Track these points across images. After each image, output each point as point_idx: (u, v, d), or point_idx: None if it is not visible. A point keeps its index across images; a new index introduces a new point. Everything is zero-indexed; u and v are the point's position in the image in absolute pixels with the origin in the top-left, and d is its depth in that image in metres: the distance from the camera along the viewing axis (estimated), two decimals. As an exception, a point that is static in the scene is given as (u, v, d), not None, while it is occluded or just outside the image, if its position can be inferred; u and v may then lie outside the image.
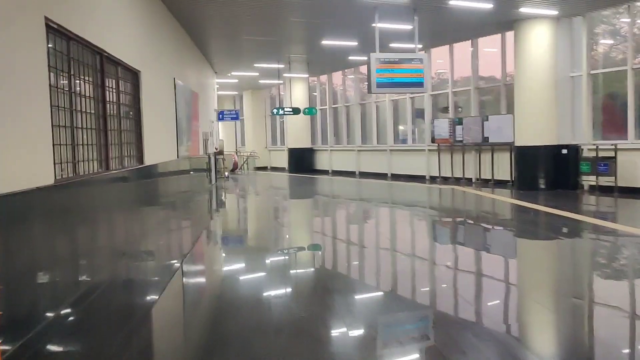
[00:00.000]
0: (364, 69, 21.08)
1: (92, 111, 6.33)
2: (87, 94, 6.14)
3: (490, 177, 15.60)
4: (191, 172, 13.85)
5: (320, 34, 14.75)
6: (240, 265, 7.33)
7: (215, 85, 22.16)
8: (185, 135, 12.65)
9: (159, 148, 9.59)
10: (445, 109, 18.37)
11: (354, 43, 15.74)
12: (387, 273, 6.64)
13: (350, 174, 21.71)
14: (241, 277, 6.57)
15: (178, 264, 7.18)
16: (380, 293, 5.70)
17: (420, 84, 11.86)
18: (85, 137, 5.98)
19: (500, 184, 15.24)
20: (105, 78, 6.69)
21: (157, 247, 8.29)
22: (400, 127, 20.35)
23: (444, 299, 5.49)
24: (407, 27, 12.30)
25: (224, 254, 8.28)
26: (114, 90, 7.27)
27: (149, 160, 8.60)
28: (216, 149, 20.57)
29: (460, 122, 16.25)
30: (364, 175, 20.95)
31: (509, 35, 14.98)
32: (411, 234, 10.08)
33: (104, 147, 6.62)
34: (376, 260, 7.52)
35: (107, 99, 6.80)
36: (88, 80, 6.22)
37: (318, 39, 15.19)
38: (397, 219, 12.00)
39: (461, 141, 16.22)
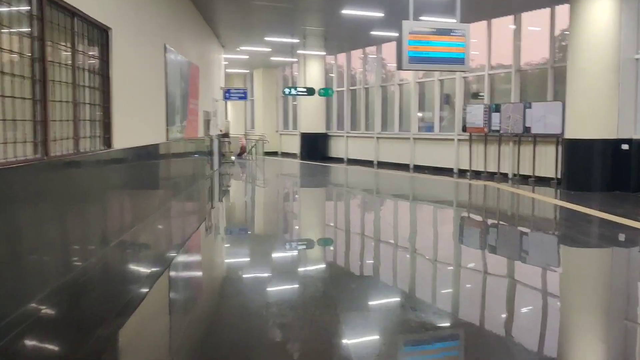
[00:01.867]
0: (387, 47, 19.03)
1: (26, 74, 4.47)
2: (17, 49, 4.28)
3: (530, 174, 13.58)
4: (187, 157, 11.97)
5: (341, 2, 12.73)
6: (237, 264, 6.42)
7: (223, 61, 20.20)
8: (179, 114, 10.76)
9: (139, 128, 7.70)
10: (476, 95, 16.31)
11: (380, 14, 13.69)
12: (407, 280, 5.74)
13: (368, 163, 19.74)
14: (236, 280, 5.61)
15: (161, 269, 5.77)
16: (398, 301, 4.90)
17: (460, 61, 9.83)
18: (11, 109, 4.15)
19: (543, 181, 13.22)
20: (45, 29, 4.78)
21: (133, 249, 6.46)
22: (419, 114, 18.31)
23: (474, 316, 4.56)
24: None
25: (220, 251, 7.23)
26: (66, 49, 5.37)
27: (121, 142, 6.71)
28: (221, 130, 18.68)
29: (497, 109, 14.20)
30: (383, 165, 18.97)
31: (560, 10, 12.89)
32: (437, 236, 8.53)
33: (41, 124, 4.74)
34: (394, 264, 6.44)
35: (50, 59, 4.90)
36: (19, 31, 4.34)
37: (338, 8, 13.16)
38: (420, 217, 10.23)
39: (498, 131, 14.19)
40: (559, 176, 12.74)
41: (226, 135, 20.15)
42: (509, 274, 6.16)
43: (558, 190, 12.33)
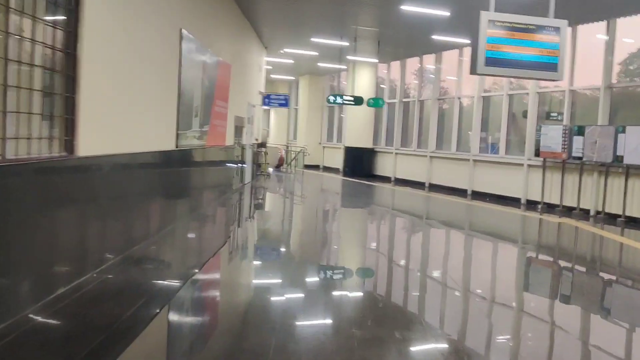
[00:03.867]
0: (448, 55, 16.88)
1: None
2: None
3: (619, 212, 11.16)
4: (208, 168, 10.14)
5: (401, -5, 10.75)
6: (262, 298, 5.15)
7: (264, 63, 18.43)
8: (198, 117, 8.92)
9: (128, 130, 5.84)
10: (549, 115, 13.97)
11: (445, 13, 11.61)
12: (460, 330, 4.60)
13: (418, 185, 17.54)
14: (256, 319, 4.43)
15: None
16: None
17: (552, 67, 7.69)
18: None
19: (636, 223, 10.82)
20: None
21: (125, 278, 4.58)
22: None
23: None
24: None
25: (236, 284, 5.88)
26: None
27: (91, 147, 4.85)
28: (257, 140, 16.85)
29: (580, 132, 11.86)
30: (436, 188, 16.74)
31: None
32: (496, 278, 6.89)
33: None
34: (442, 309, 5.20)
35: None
36: None
37: (397, 1, 11.14)
38: (478, 255, 8.09)
39: (580, 158, 11.83)
40: (658, 218, 10.35)
41: (263, 144, 18.32)
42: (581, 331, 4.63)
43: (657, 235, 9.98)
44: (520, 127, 14.97)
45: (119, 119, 5.56)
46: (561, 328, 4.98)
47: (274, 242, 8.39)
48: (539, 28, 7.60)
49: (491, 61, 7.41)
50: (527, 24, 7.57)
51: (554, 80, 7.97)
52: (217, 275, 6.23)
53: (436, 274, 7.00)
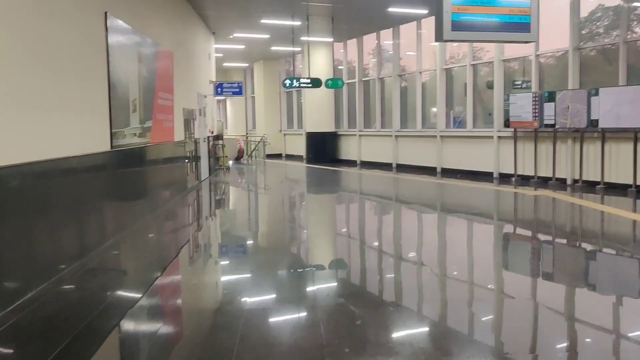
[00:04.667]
0: (406, 29, 16.12)
1: None
2: None
3: (598, 179, 10.64)
4: (154, 168, 9.18)
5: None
6: (228, 303, 4.60)
7: (213, 51, 17.37)
8: (138, 112, 7.94)
9: (32, 131, 4.87)
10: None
11: (401, -19, 10.82)
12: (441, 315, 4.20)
13: (385, 166, 16.83)
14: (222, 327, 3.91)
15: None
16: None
17: (525, 27, 7.06)
18: None
19: (616, 189, 10.30)
20: None
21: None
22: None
23: None
24: None
25: (203, 289, 5.33)
26: None
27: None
28: (211, 132, 15.86)
29: (551, 98, 11.26)
30: (404, 168, 16.06)
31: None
32: (475, 259, 6.26)
33: None
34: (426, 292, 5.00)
35: None
36: None
37: (348, -28, 10.31)
38: (454, 236, 7.49)
39: (553, 125, 11.25)
40: (639, 182, 9.82)
41: (219, 137, 17.32)
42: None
43: (638, 201, 9.45)
44: (483, 99, 14.36)
45: (19, 124, 4.59)
46: (547, 306, 4.55)
47: (237, 240, 7.54)
48: (508, -15, 6.89)
49: (458, 25, 6.68)
50: (494, -18, 6.85)
51: (527, 42, 7.26)
52: (177, 283, 5.38)
53: (413, 258, 6.36)
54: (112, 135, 6.77)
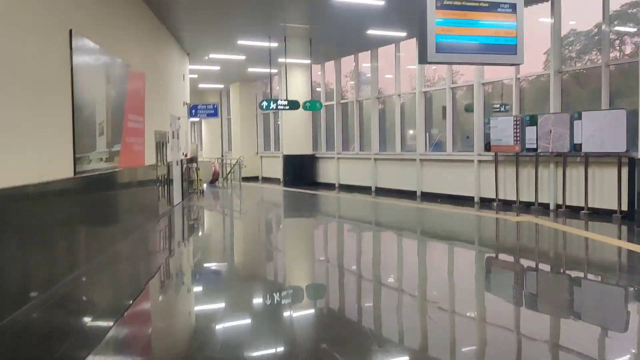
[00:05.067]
0: (384, 51, 15.97)
1: None
2: None
3: (582, 205, 10.43)
4: (123, 193, 8.71)
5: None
6: (201, 335, 4.43)
7: (188, 72, 16.97)
8: (105, 136, 7.49)
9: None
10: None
11: (379, 2, 10.60)
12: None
13: (365, 189, 16.50)
14: None
15: None
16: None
17: (511, 49, 6.83)
18: None
19: (600, 215, 10.10)
20: None
21: None
22: (434, 131, 15.20)
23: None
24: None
25: (174, 321, 5.10)
26: None
27: None
28: (185, 155, 15.39)
29: (532, 122, 11.08)
30: (383, 192, 15.75)
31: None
32: (456, 287, 6.18)
33: None
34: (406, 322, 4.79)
35: None
36: None
37: (327, -8, 10.06)
38: (435, 264, 7.17)
39: (535, 149, 11.06)
40: (624, 208, 9.63)
41: (193, 159, 16.85)
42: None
43: (624, 227, 9.26)
44: (462, 122, 14.18)
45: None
46: (531, 336, 4.40)
47: (208, 271, 7.09)
48: (493, 5, 6.68)
49: (442, 47, 6.41)
50: (479, 2, 6.62)
51: (513, 65, 7.04)
52: (143, 320, 4.92)
53: (395, 288, 5.99)
54: (75, 160, 6.32)
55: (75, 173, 6.29)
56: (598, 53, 11.03)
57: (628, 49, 10.96)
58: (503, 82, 12.74)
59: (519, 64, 7.16)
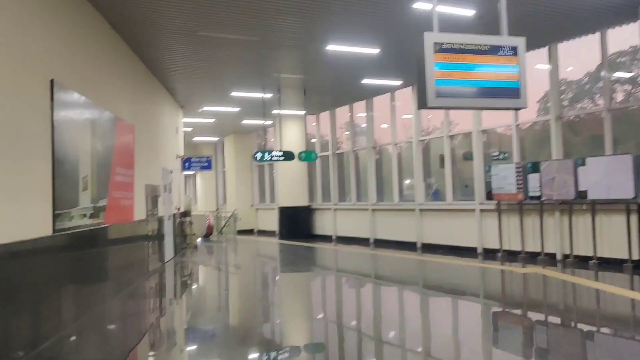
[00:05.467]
0: (379, 101, 15.82)
1: None
2: None
3: (590, 254, 9.99)
4: (108, 251, 8.24)
5: (324, 34, 9.46)
6: None
7: (181, 124, 16.76)
8: (89, 190, 7.10)
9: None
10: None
11: (374, 50, 10.45)
12: None
13: (363, 241, 16.03)
14: None
15: None
16: None
17: (514, 93, 6.51)
18: None
19: (610, 264, 9.65)
20: None
21: None
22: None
23: None
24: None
25: None
26: None
27: None
28: (178, 209, 14.97)
29: (535, 169, 10.77)
30: (382, 243, 15.29)
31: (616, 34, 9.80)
32: (471, 348, 5.51)
33: None
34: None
35: None
36: None
37: (321, 42, 9.88)
38: (440, 320, 6.54)
39: (539, 197, 10.70)
40: (635, 257, 9.20)
41: (186, 213, 16.42)
42: None
43: (636, 277, 8.82)
44: (459, 170, 13.87)
45: None
46: None
47: (203, 328, 6.59)
48: (494, 49, 6.39)
49: (443, 91, 6.08)
50: (479, 45, 6.34)
51: (517, 109, 6.73)
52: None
53: (395, 342, 5.45)
54: (54, 217, 5.90)
55: (54, 231, 5.86)
56: (591, 100, 10.91)
57: (619, 96, 10.82)
58: (499, 130, 12.53)
59: (522, 108, 6.87)
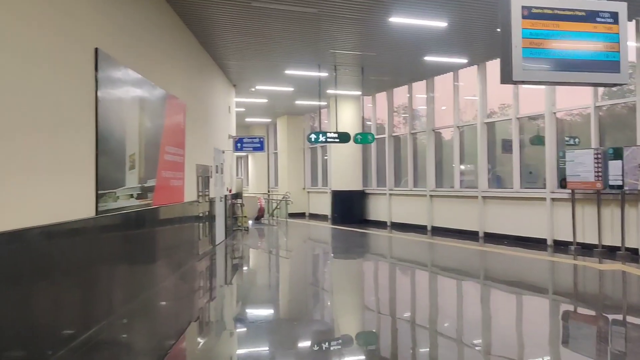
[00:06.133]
0: (440, 80, 14.95)
1: None
2: None
3: (680, 250, 9.01)
4: (158, 233, 7.85)
5: (387, 4, 8.71)
6: None
7: (234, 104, 16.34)
8: (137, 170, 6.68)
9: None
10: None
11: (442, 24, 9.64)
12: None
13: (420, 229, 15.29)
14: None
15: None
16: None
17: (613, 66, 5.66)
18: None
19: None
20: None
21: None
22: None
23: None
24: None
25: None
26: None
27: None
28: (229, 190, 14.59)
29: (617, 156, 9.78)
30: (440, 231, 14.51)
31: None
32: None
33: None
34: None
35: None
36: None
37: (383, 14, 9.14)
38: (513, 321, 5.74)
39: (620, 187, 9.72)
40: None
41: (238, 195, 16.04)
42: None
43: None
44: (524, 156, 12.90)
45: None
46: None
47: (254, 315, 6.21)
48: (591, 14, 5.55)
49: (531, 62, 5.33)
50: (573, 10, 5.52)
51: (616, 85, 5.90)
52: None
53: (450, 335, 4.79)
54: (97, 198, 5.47)
55: (97, 212, 5.44)
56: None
57: None
58: (572, 113, 11.53)
59: (622, 85, 6.02)
